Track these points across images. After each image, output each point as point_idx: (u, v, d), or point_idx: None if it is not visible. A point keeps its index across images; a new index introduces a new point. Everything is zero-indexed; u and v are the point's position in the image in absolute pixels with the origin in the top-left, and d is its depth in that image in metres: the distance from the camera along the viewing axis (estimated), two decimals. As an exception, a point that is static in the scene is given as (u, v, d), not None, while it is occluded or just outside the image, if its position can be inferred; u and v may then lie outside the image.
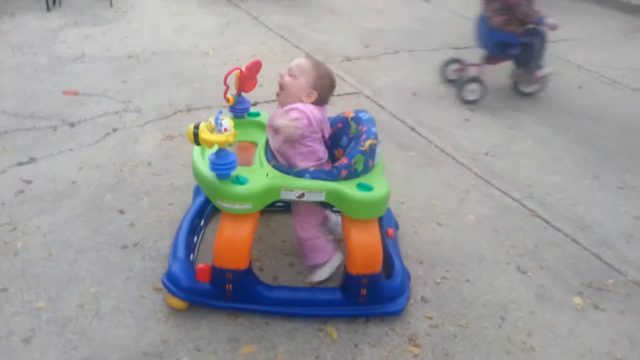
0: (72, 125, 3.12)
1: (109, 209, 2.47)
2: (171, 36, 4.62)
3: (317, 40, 4.79)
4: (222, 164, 1.77)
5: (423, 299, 2.14)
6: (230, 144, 1.76)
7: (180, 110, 3.39)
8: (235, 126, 1.81)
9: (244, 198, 1.79)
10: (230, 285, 1.91)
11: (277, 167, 1.92)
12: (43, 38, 4.36)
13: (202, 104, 3.49)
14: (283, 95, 2.00)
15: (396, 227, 2.40)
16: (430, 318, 2.05)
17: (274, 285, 2.11)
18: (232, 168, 1.80)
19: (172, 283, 1.92)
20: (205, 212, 2.38)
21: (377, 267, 1.96)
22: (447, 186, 2.89)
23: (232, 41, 4.63)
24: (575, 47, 5.27)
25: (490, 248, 2.46)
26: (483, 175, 3.01)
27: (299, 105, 1.94)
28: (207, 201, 2.36)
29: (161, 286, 2.03)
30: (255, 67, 2.04)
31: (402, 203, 2.69)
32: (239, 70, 2.04)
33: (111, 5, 5.25)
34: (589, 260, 2.44)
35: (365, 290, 1.96)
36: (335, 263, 2.13)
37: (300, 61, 2.00)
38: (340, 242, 2.22)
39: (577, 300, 2.21)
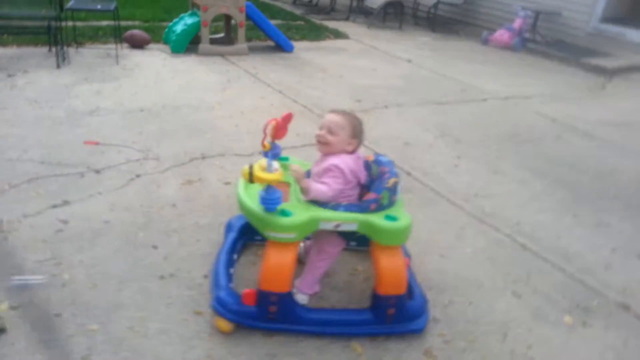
0: (97, 172, 3.36)
1: (143, 245, 2.70)
2: (178, 92, 4.95)
3: (312, 95, 5.19)
4: (271, 198, 2.05)
5: (434, 319, 2.40)
6: (279, 182, 2.04)
7: (195, 158, 3.67)
8: None
9: (289, 228, 2.07)
10: (275, 307, 2.15)
11: (313, 202, 2.20)
12: (57, 93, 4.64)
13: (215, 152, 3.78)
14: (327, 149, 2.29)
15: (409, 257, 2.68)
16: (443, 335, 2.31)
17: (311, 307, 2.34)
18: (279, 203, 2.07)
19: (222, 306, 2.17)
20: (237, 247, 2.63)
21: (403, 288, 2.23)
22: (444, 223, 3.20)
23: (235, 96, 4.99)
24: (548, 102, 5.80)
25: (487, 276, 2.75)
26: (475, 214, 3.34)
27: (334, 161, 2.23)
28: (238, 237, 2.63)
29: (201, 310, 2.27)
30: (288, 118, 2.35)
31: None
32: (275, 122, 2.35)
33: (117, 63, 5.59)
34: (574, 285, 2.75)
35: (392, 310, 2.22)
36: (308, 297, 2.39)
37: (335, 118, 2.29)
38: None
39: (567, 318, 2.50)
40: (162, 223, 2.89)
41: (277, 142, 2.32)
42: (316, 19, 9.08)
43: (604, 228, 3.36)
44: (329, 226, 2.14)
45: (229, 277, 2.37)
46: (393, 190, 2.24)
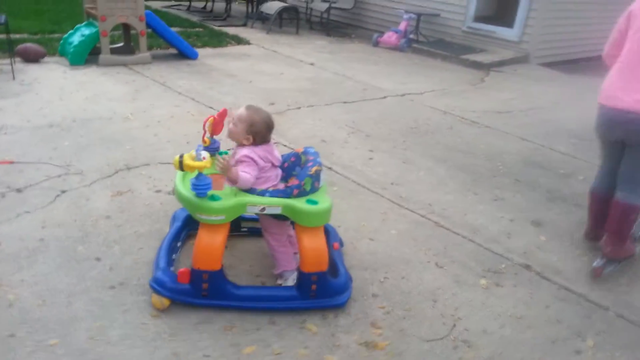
0: (19, 190, 3.26)
1: (85, 259, 2.70)
2: (86, 104, 4.84)
3: (225, 101, 5.30)
4: (201, 184, 2.25)
5: (373, 295, 2.67)
6: (207, 168, 2.24)
7: (120, 170, 3.66)
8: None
9: (218, 211, 2.27)
10: (206, 285, 2.36)
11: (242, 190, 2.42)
12: (-48, 113, 4.36)
13: (139, 162, 3.79)
14: (233, 138, 2.51)
15: (341, 243, 2.94)
16: (383, 308, 2.59)
17: (240, 285, 2.54)
18: (209, 188, 2.28)
19: (158, 285, 2.38)
20: (181, 236, 2.82)
21: (324, 266, 2.46)
22: (369, 211, 3.51)
23: (147, 105, 4.97)
24: (438, 96, 6.37)
25: (412, 252, 3.09)
26: (394, 200, 3.68)
27: (245, 151, 2.44)
28: (182, 227, 2.83)
29: (158, 313, 2.35)
30: (223, 114, 2.54)
31: (339, 226, 3.23)
32: (212, 118, 2.51)
33: (14, 78, 5.32)
34: (484, 253, 3.17)
35: (315, 286, 2.46)
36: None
37: (241, 111, 2.49)
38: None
39: (483, 281, 2.89)
40: (100, 235, 2.91)
41: (215, 137, 2.50)
42: (214, 26, 9.13)
43: (500, 202, 3.85)
44: (256, 209, 2.36)
45: (170, 262, 2.56)
46: (315, 177, 2.47)
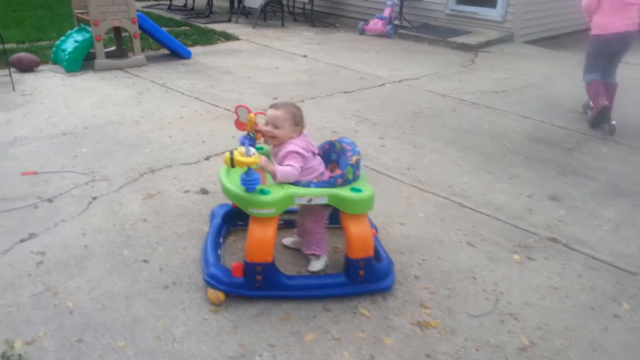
0: (50, 200, 3.28)
1: (133, 261, 2.75)
2: (94, 111, 4.83)
3: (230, 98, 5.34)
4: (251, 179, 2.32)
5: (415, 277, 2.78)
6: (257, 165, 2.31)
7: (145, 173, 3.69)
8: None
9: (269, 204, 2.34)
10: (260, 277, 2.44)
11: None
12: (-41, 128, 4.32)
13: (161, 165, 3.82)
14: (276, 141, 2.57)
15: (376, 229, 3.04)
16: (427, 288, 2.70)
17: (292, 275, 2.64)
18: (258, 183, 2.35)
19: (214, 280, 2.47)
20: (222, 232, 2.92)
21: (371, 251, 2.55)
22: (394, 196, 3.60)
23: (154, 108, 4.98)
24: (433, 80, 6.49)
25: (443, 233, 3.20)
26: (414, 184, 3.78)
27: (289, 147, 2.50)
28: (222, 223, 2.92)
29: (217, 308, 2.42)
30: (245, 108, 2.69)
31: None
32: (247, 110, 2.65)
33: (14, 89, 5.27)
34: (510, 229, 3.29)
35: (363, 271, 2.55)
36: (325, 260, 2.76)
37: (276, 113, 2.54)
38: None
39: (516, 257, 3.01)
40: (142, 238, 2.95)
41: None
42: (199, 23, 9.09)
43: (516, 179, 3.98)
44: (303, 201, 2.43)
45: (217, 257, 2.63)
46: (356, 166, 2.56)
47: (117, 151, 4.02)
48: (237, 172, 2.39)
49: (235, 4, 10.14)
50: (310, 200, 2.44)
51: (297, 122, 2.56)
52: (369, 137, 4.61)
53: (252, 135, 2.73)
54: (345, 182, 2.51)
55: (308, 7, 10.08)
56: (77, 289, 2.53)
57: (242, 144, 2.65)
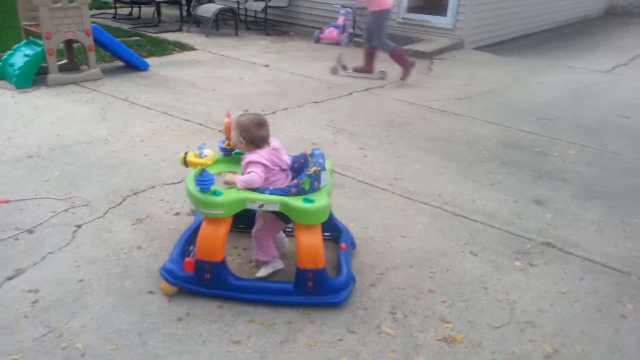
0: (30, 231, 3.03)
1: (138, 294, 2.58)
2: (56, 129, 4.53)
3: (199, 112, 5.17)
4: (205, 180, 2.41)
5: (430, 291, 2.77)
6: (208, 166, 2.43)
7: (127, 196, 3.49)
8: (225, 162, 2.81)
9: (218, 205, 2.40)
10: (208, 275, 2.49)
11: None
12: None
13: (143, 186, 3.63)
14: (234, 146, 2.74)
15: (352, 244, 3.02)
16: (444, 302, 2.69)
17: (242, 277, 2.64)
18: (211, 184, 2.41)
19: (167, 273, 2.56)
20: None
21: (320, 263, 2.50)
22: (387, 208, 3.59)
23: (121, 125, 4.74)
24: (397, 88, 6.58)
25: (445, 244, 3.21)
26: (405, 195, 3.79)
27: (252, 156, 2.57)
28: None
29: (240, 338, 2.31)
30: (228, 115, 2.81)
31: (367, 228, 3.30)
32: (227, 122, 2.75)
33: (-39, 108, 4.86)
34: (506, 236, 3.36)
35: (311, 282, 2.52)
36: (276, 267, 2.75)
37: (234, 120, 2.63)
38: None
39: (518, 263, 3.07)
40: (141, 267, 2.78)
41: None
42: (149, 33, 8.78)
43: (498, 185, 4.07)
44: (255, 206, 2.46)
45: (185, 253, 2.71)
46: (315, 177, 2.54)
47: (92, 173, 3.78)
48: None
49: (185, 13, 9.88)
50: (262, 205, 2.46)
51: (242, 133, 2.58)
52: (349, 148, 4.58)
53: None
54: (301, 192, 2.50)
55: (261, 15, 9.98)
56: (83, 328, 2.33)
57: (199, 148, 2.62)
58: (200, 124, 4.83)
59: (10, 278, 2.63)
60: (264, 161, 2.54)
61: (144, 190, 3.57)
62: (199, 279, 2.50)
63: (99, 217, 3.21)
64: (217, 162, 2.81)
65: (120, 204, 3.39)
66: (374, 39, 6.62)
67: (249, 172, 2.52)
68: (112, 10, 10.20)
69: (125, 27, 9.25)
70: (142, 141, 4.39)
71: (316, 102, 5.76)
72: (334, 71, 6.93)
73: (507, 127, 5.38)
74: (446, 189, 3.94)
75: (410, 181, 4.02)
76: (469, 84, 7.00)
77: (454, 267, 2.99)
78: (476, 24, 9.25)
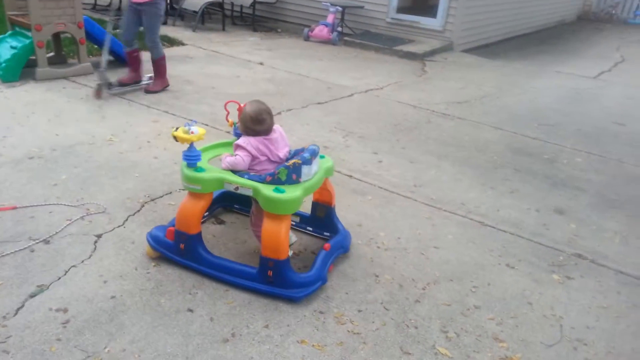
0: (47, 242, 2.80)
1: (176, 312, 2.41)
2: (54, 128, 4.26)
3: (203, 111, 4.96)
4: (192, 155, 2.53)
5: (476, 307, 2.69)
6: (194, 141, 2.49)
7: (145, 202, 3.29)
8: (230, 143, 2.88)
9: (196, 181, 2.51)
10: (183, 245, 2.61)
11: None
12: None
13: (160, 192, 3.43)
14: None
15: (344, 249, 2.93)
16: (493, 319, 2.61)
17: (214, 254, 2.69)
18: (197, 159, 2.54)
19: (152, 238, 2.73)
20: (213, 208, 3.17)
21: (282, 255, 2.47)
22: (414, 217, 3.50)
23: (123, 124, 4.49)
24: (396, 89, 6.50)
25: (480, 256, 3.14)
26: (428, 203, 3.71)
27: (240, 140, 2.65)
28: (214, 201, 3.04)
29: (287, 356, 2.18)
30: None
31: (399, 238, 3.20)
32: (238, 104, 2.75)
33: (-53, 103, 4.52)
34: (538, 247, 3.31)
35: (271, 272, 2.50)
36: None
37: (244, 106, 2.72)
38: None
39: (556, 277, 3.03)
40: (175, 282, 2.60)
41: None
42: (134, 26, 8.42)
43: (517, 194, 4.03)
44: (231, 187, 2.53)
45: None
46: (293, 169, 2.50)
47: (102, 177, 3.55)
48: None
49: (168, 6, 9.55)
50: (237, 188, 2.52)
51: (243, 126, 2.67)
52: (362, 152, 4.47)
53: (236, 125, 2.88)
54: (276, 181, 2.50)
55: (247, 11, 9.75)
56: (125, 352, 2.15)
57: (187, 125, 2.56)
58: (207, 125, 4.63)
59: (33, 295, 2.41)
60: (249, 147, 2.61)
61: (161, 197, 3.38)
62: (176, 247, 2.63)
63: (119, 226, 3.01)
64: (229, 144, 2.93)
65: (139, 211, 3.19)
66: (146, 39, 5.36)
67: (235, 155, 2.63)
68: (92, 1, 9.77)
69: (106, 18, 8.85)
70: (148, 142, 4.17)
71: (319, 103, 5.63)
72: (98, 95, 5.05)
73: (513, 133, 5.36)
74: (467, 196, 3.88)
75: (430, 188, 3.94)
76: (465, 87, 6.99)
77: (494, 280, 2.92)
78: (465, 26, 9.27)
